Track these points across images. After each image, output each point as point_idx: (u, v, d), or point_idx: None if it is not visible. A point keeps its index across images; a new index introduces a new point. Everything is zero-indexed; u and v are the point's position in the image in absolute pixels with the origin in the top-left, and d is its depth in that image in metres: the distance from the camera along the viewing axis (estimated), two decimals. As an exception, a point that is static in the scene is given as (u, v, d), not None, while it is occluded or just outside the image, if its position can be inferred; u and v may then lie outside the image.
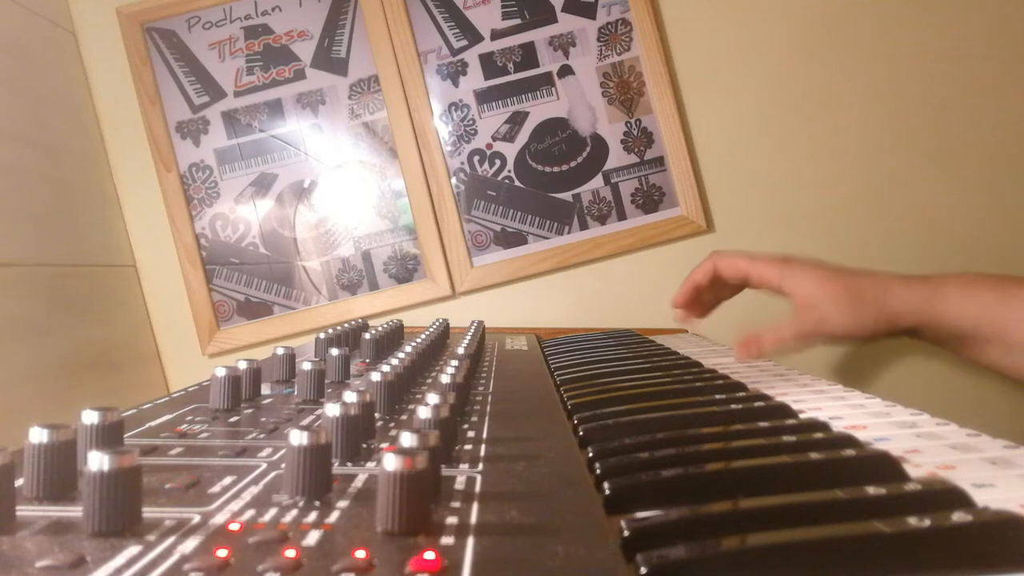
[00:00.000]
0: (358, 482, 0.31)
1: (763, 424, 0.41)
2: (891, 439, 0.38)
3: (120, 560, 0.23)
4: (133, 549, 0.24)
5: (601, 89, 1.11)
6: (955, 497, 0.28)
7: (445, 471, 0.32)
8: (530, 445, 0.37)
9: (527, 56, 1.11)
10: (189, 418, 0.44)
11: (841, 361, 1.06)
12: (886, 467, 0.32)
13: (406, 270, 1.12)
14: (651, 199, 1.10)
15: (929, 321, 0.67)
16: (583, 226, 1.10)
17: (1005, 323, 0.64)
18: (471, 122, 1.11)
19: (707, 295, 0.78)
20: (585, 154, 1.11)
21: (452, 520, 0.27)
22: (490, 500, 0.29)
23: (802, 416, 0.43)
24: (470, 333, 0.70)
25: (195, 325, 1.11)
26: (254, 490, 0.30)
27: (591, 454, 0.36)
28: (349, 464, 0.34)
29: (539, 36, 1.11)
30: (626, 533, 0.26)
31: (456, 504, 0.28)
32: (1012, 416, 1.01)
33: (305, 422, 0.43)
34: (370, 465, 0.34)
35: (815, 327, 0.68)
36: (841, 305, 0.67)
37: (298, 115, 1.13)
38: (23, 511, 0.27)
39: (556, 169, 1.11)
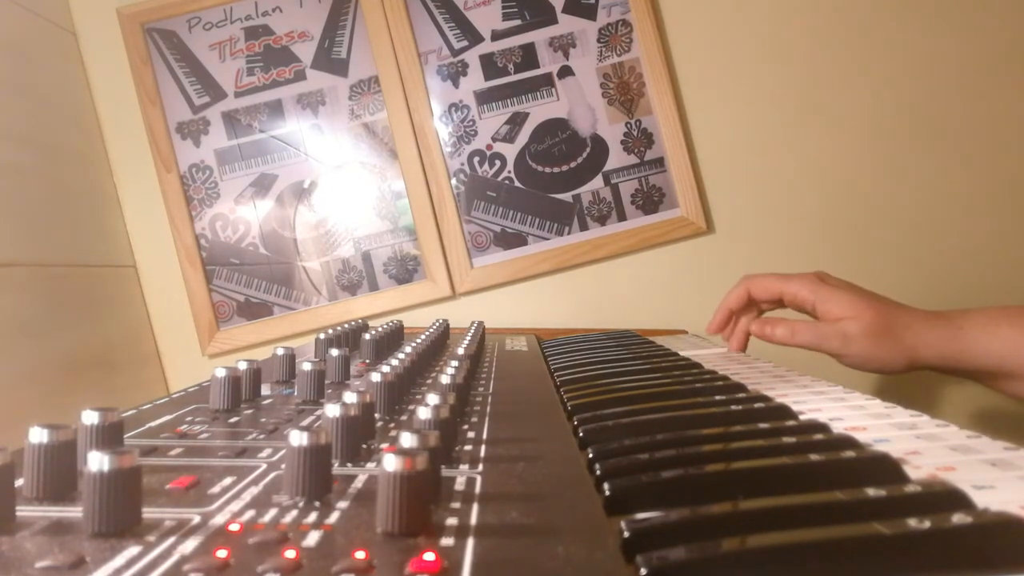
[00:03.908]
0: (358, 483, 0.31)
1: (763, 425, 0.40)
2: (891, 440, 0.38)
3: (120, 561, 0.23)
4: (133, 550, 0.24)
5: (601, 90, 1.11)
6: (955, 499, 0.28)
7: (445, 472, 0.32)
8: (530, 446, 0.37)
9: (527, 57, 1.11)
10: (189, 419, 0.44)
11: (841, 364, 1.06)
12: (886, 468, 0.32)
13: (406, 271, 1.12)
14: (651, 200, 1.10)
15: (952, 360, 0.67)
16: (583, 227, 1.10)
17: None
18: (471, 123, 1.11)
19: (743, 321, 0.78)
20: (585, 155, 1.11)
21: (452, 521, 0.27)
22: (490, 501, 0.29)
23: (802, 417, 0.43)
24: (470, 334, 0.70)
25: (195, 325, 1.11)
26: (254, 491, 0.30)
27: (591, 455, 0.36)
28: (349, 465, 0.34)
29: (539, 37, 1.11)
30: (626, 534, 0.26)
31: (456, 505, 0.28)
32: (1012, 417, 1.01)
33: (305, 423, 0.43)
34: (370, 466, 0.34)
35: (834, 340, 0.68)
36: (866, 330, 0.67)
37: (298, 116, 1.13)
38: (23, 511, 0.27)
39: (556, 170, 1.11)
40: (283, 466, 0.30)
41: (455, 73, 1.12)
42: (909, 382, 1.05)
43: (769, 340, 0.73)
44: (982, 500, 0.28)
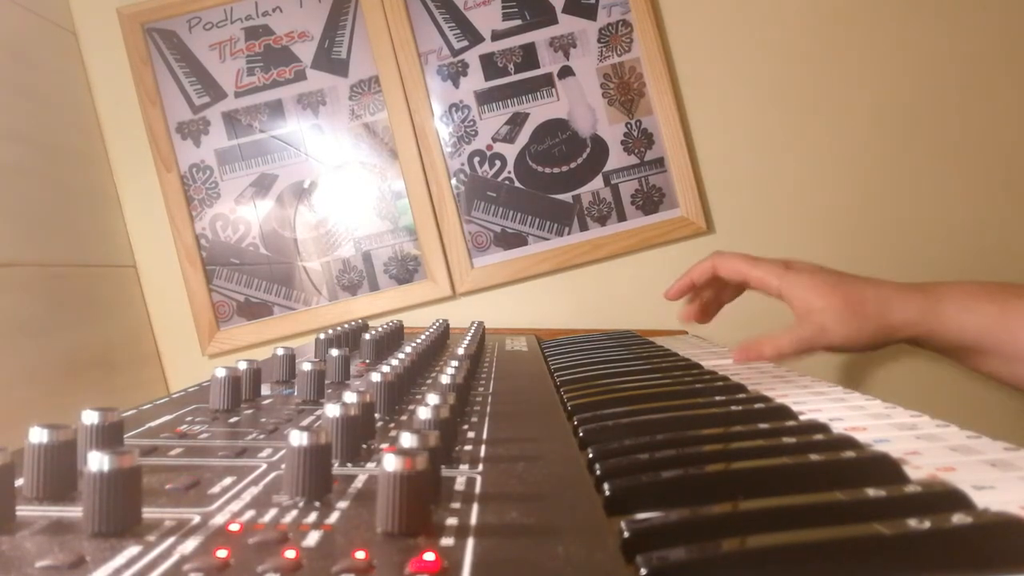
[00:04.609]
0: (358, 483, 0.31)
1: (763, 426, 0.41)
2: (891, 441, 0.38)
3: (120, 560, 0.23)
4: (133, 549, 0.24)
5: (601, 90, 1.11)
6: (955, 499, 0.28)
7: (445, 472, 0.32)
8: (530, 446, 0.37)
9: (528, 57, 1.11)
10: (189, 418, 0.44)
11: (841, 363, 1.06)
12: (886, 469, 0.32)
13: (406, 271, 1.12)
14: (651, 200, 1.10)
15: (929, 333, 0.66)
16: (583, 227, 1.10)
17: (1005, 335, 0.64)
18: (471, 123, 1.11)
19: (706, 295, 0.78)
20: (585, 155, 1.11)
21: (452, 521, 0.27)
22: (490, 501, 0.29)
23: (802, 418, 0.43)
24: (470, 334, 0.70)
25: (195, 325, 1.11)
26: (254, 491, 0.30)
27: (591, 455, 0.36)
28: (349, 465, 0.34)
29: (540, 37, 1.11)
30: (626, 534, 0.26)
31: (456, 505, 0.28)
32: (1012, 418, 1.01)
33: (305, 423, 0.43)
34: (370, 466, 0.34)
35: (814, 337, 0.68)
36: (841, 316, 0.66)
37: (298, 116, 1.13)
38: (23, 511, 0.27)
39: (556, 170, 1.11)
40: (283, 466, 0.30)
41: (455, 73, 1.12)
42: (911, 381, 1.05)
43: (759, 359, 0.72)
44: (982, 500, 0.28)
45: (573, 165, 1.11)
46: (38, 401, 0.85)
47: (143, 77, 1.12)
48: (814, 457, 0.34)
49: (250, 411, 0.46)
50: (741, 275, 0.73)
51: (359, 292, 1.12)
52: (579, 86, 1.11)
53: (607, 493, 0.31)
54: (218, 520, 0.27)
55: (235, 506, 0.28)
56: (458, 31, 1.12)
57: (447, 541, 0.25)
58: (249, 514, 0.27)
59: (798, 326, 0.69)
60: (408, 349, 0.54)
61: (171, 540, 0.25)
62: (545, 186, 1.11)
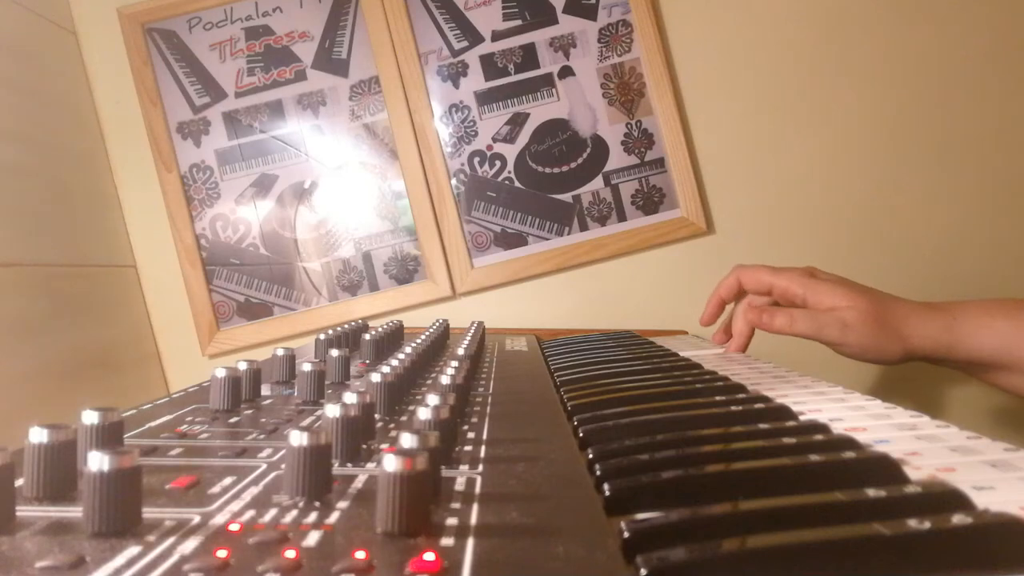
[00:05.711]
0: (358, 483, 0.31)
1: (763, 426, 0.40)
2: (891, 441, 0.38)
3: (120, 560, 0.23)
4: (133, 549, 0.24)
5: (602, 90, 1.11)
6: (955, 499, 0.28)
7: (445, 472, 0.32)
8: (530, 446, 0.37)
9: (528, 57, 1.11)
10: (189, 419, 0.44)
11: (841, 364, 1.06)
12: (886, 469, 0.32)
13: (406, 271, 1.12)
14: (651, 200, 1.10)
15: (947, 350, 0.67)
16: (583, 227, 1.10)
17: (1021, 351, 0.64)
18: (471, 123, 1.11)
19: (739, 323, 0.78)
20: (585, 155, 1.11)
21: (452, 521, 0.27)
22: (490, 501, 0.29)
23: (802, 418, 0.43)
24: (470, 334, 0.70)
25: (195, 326, 1.11)
26: (254, 491, 0.30)
27: (591, 455, 0.36)
28: (349, 465, 0.34)
29: (540, 37, 1.11)
30: (626, 534, 0.26)
31: (456, 505, 0.28)
32: (1013, 419, 1.01)
33: (305, 423, 0.43)
34: (370, 466, 0.34)
35: (831, 325, 0.68)
36: (863, 318, 0.67)
37: (299, 116, 1.13)
38: (23, 511, 0.27)
39: (556, 170, 1.11)
40: (283, 466, 0.30)
41: (455, 73, 1.12)
42: (910, 381, 1.05)
43: (767, 329, 0.72)
44: (982, 501, 0.28)
45: (573, 165, 1.11)
46: (38, 401, 0.85)
47: (143, 77, 1.12)
48: (814, 457, 0.34)
49: (250, 411, 0.46)
50: (765, 285, 0.74)
51: (359, 292, 1.12)
52: (579, 86, 1.11)
53: (607, 493, 0.31)
54: (218, 520, 0.27)
55: (235, 506, 0.28)
56: (458, 31, 1.12)
57: (447, 541, 0.25)
58: (249, 514, 0.27)
59: (821, 315, 0.69)
60: (408, 349, 0.54)
61: (171, 540, 0.25)
62: (545, 186, 1.11)
